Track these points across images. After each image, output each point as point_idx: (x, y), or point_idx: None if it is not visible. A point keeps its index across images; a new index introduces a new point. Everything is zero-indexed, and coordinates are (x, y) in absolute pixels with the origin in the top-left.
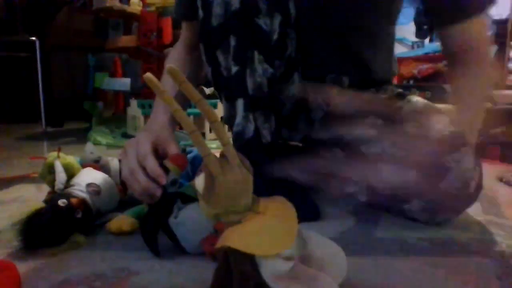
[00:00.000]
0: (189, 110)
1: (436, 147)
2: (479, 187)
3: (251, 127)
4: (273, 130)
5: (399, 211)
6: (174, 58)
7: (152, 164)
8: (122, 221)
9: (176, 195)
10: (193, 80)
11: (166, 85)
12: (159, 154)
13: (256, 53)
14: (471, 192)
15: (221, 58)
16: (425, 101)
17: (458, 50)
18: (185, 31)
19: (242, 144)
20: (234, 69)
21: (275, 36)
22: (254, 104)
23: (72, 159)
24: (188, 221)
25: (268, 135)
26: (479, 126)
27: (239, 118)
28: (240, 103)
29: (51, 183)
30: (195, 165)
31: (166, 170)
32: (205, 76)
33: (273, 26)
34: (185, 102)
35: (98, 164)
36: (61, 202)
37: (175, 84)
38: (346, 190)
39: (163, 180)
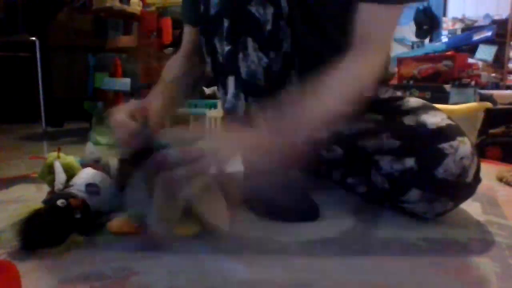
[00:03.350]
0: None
1: None
2: (477, 179)
3: (241, 106)
4: None
5: (398, 203)
6: (173, 59)
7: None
8: (123, 221)
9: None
10: (188, 74)
11: (164, 76)
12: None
13: (250, 40)
14: (469, 181)
15: (217, 44)
16: (423, 101)
17: (363, 32)
18: (186, 38)
19: (232, 121)
20: (226, 48)
21: (268, 27)
22: (247, 88)
23: (72, 159)
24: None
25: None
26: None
27: (229, 95)
28: (231, 80)
29: (51, 183)
30: None
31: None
32: (206, 77)
33: (266, 16)
34: (184, 90)
35: (98, 164)
36: (60, 202)
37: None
38: (346, 182)
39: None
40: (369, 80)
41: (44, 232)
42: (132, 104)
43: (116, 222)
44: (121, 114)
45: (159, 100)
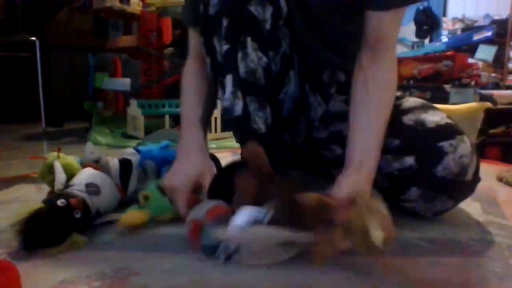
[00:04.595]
0: None
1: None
2: (477, 178)
3: (239, 104)
4: (269, 123)
5: (398, 201)
6: (190, 75)
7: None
8: (135, 214)
9: None
10: (210, 94)
11: (187, 100)
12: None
13: (249, 39)
14: (468, 180)
15: (216, 44)
16: (422, 100)
17: (377, 36)
18: (193, 40)
19: (229, 120)
20: (225, 47)
21: (267, 26)
22: (246, 87)
23: (72, 159)
24: None
25: (262, 124)
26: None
27: (227, 94)
28: (229, 79)
29: (51, 183)
30: None
31: None
32: None
33: (264, 15)
34: (210, 110)
35: (98, 164)
36: (60, 202)
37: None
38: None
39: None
40: (396, 75)
41: (44, 231)
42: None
43: (129, 216)
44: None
45: (204, 152)
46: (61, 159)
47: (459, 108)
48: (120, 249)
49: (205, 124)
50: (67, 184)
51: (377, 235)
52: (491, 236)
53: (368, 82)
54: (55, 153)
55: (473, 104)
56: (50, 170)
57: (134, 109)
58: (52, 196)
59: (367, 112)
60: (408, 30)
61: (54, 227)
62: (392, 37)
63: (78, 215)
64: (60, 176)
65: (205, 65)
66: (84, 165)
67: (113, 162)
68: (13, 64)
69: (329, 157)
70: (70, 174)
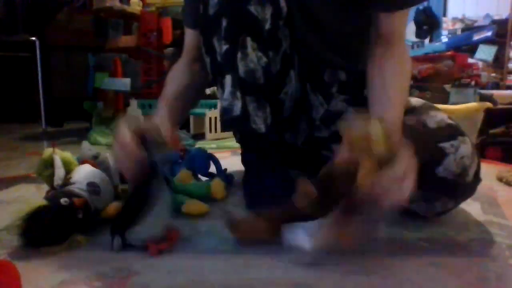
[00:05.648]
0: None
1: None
2: (477, 178)
3: (238, 105)
4: (269, 123)
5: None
6: (176, 69)
7: (122, 134)
8: (198, 205)
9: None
10: (191, 87)
11: (168, 90)
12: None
13: (249, 39)
14: (469, 180)
15: (216, 44)
16: (423, 100)
17: (386, 33)
18: (189, 43)
19: (228, 120)
20: (224, 47)
21: (267, 26)
22: (245, 87)
23: (69, 155)
24: None
25: (261, 124)
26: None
27: (226, 93)
28: (228, 79)
29: (48, 179)
30: (195, 163)
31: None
32: (210, 83)
33: (264, 15)
34: (188, 104)
35: (96, 161)
36: (64, 201)
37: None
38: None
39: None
40: (410, 65)
41: (47, 230)
42: (138, 121)
43: (193, 206)
44: (126, 134)
45: (165, 120)
46: (58, 154)
47: (459, 108)
48: None
49: (172, 104)
50: (65, 180)
51: (378, 140)
52: (491, 236)
53: (382, 68)
54: (51, 149)
55: (473, 104)
56: (46, 165)
57: (134, 109)
58: (55, 194)
59: (384, 93)
60: (408, 30)
61: (58, 226)
62: (402, 32)
63: (80, 215)
64: (60, 171)
65: (193, 62)
66: (81, 161)
67: (112, 159)
68: (13, 64)
69: (329, 157)
70: (67, 170)
